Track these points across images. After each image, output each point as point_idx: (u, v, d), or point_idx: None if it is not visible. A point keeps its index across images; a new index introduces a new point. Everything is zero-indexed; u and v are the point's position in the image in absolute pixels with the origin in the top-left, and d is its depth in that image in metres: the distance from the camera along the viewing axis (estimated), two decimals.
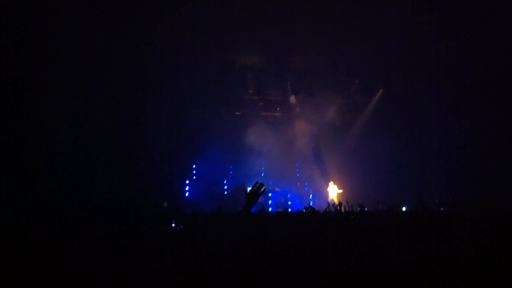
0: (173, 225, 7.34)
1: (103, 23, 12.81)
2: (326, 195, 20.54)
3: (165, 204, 15.12)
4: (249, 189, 3.83)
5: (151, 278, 3.29)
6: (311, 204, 15.24)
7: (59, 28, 12.13)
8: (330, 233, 5.08)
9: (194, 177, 20.43)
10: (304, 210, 12.51)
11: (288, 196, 21.23)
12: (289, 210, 19.44)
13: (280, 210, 15.70)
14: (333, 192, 20.58)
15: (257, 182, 3.86)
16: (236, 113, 21.54)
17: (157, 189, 15.15)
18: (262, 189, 3.86)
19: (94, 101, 13.04)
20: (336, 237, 4.84)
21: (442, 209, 13.42)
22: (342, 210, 10.98)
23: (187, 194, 19.83)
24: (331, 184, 20.79)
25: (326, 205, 12.75)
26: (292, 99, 21.26)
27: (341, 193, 20.37)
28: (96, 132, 12.96)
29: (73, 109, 12.48)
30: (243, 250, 3.68)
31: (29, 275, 2.71)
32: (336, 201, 18.57)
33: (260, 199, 3.86)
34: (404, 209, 15.30)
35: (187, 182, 20.02)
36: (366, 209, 12.21)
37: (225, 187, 20.88)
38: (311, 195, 21.48)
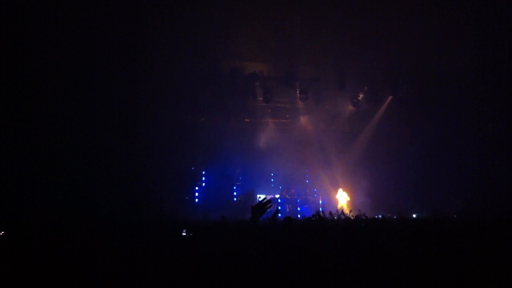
0: (184, 233, 7.36)
1: (108, 31, 12.94)
2: (335, 202, 20.42)
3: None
4: (260, 197, 3.98)
5: (151, 279, 3.30)
6: (321, 210, 15.10)
7: (62, 35, 12.26)
8: (333, 239, 5.05)
9: (204, 184, 20.48)
10: (312, 218, 12.37)
11: (298, 201, 21.14)
12: (299, 216, 19.41)
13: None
14: (343, 199, 20.44)
15: (265, 198, 4.05)
16: (245, 120, 21.60)
17: (166, 195, 15.20)
18: (269, 205, 4.02)
19: (103, 107, 13.14)
20: (338, 243, 4.81)
21: (454, 216, 13.23)
22: (351, 216, 10.85)
23: (196, 201, 19.88)
24: (340, 190, 20.66)
25: (332, 214, 12.50)
26: (303, 113, 21.41)
27: (348, 200, 20.25)
28: (106, 139, 13.06)
29: (81, 114, 12.60)
30: (243, 254, 3.69)
31: (29, 275, 2.74)
32: (345, 208, 18.45)
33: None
34: (414, 216, 15.13)
35: (196, 188, 20.08)
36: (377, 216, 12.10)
37: (234, 193, 20.89)
38: (320, 201, 21.38)
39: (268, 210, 3.89)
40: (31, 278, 2.78)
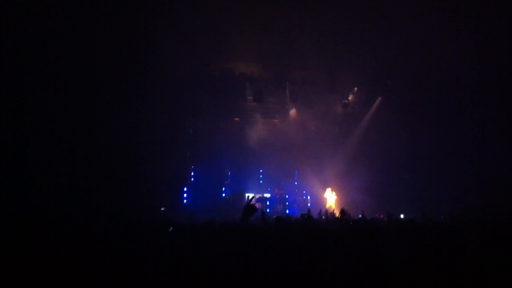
0: (171, 233, 7.32)
1: (108, 34, 12.87)
2: (323, 202, 20.48)
3: (162, 209, 15.16)
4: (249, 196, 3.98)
5: (150, 279, 3.27)
6: (309, 212, 15.14)
7: (62, 36, 12.16)
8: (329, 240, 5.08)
9: (192, 184, 20.37)
10: (300, 217, 12.46)
11: (287, 203, 21.17)
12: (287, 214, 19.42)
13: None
14: (331, 199, 20.51)
15: (253, 196, 4.10)
16: (235, 119, 21.56)
17: (155, 194, 15.12)
18: (253, 199, 4.08)
19: (96, 106, 13.05)
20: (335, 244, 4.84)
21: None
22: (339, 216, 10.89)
23: (185, 201, 19.76)
24: (328, 190, 20.72)
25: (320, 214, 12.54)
26: (293, 112, 21.38)
27: (337, 199, 20.31)
28: (97, 138, 12.98)
29: (75, 112, 12.49)
30: (241, 255, 3.68)
31: (29, 275, 2.69)
32: (334, 208, 18.52)
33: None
34: (402, 216, 15.22)
35: (185, 188, 19.96)
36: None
37: (223, 194, 20.82)
38: (309, 204, 21.39)
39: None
40: (31, 278, 2.73)
